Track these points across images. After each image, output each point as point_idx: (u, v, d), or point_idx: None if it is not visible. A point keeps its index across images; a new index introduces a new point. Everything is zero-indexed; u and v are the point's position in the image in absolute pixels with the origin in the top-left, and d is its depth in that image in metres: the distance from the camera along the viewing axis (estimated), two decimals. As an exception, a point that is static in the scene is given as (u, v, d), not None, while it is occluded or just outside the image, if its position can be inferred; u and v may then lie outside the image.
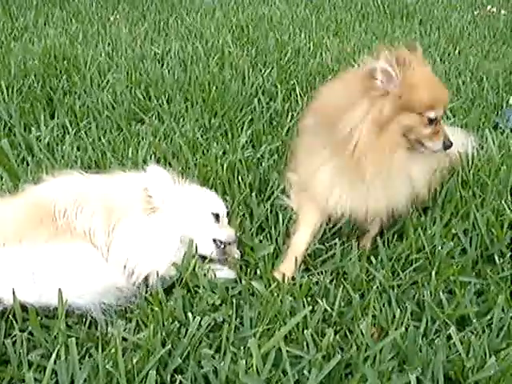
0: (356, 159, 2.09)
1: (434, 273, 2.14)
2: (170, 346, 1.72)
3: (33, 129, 3.16)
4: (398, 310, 1.96)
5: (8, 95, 3.57)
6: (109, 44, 4.78)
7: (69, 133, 3.18)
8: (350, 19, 5.82)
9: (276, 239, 2.36)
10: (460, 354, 1.78)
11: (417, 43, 2.23)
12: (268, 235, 2.38)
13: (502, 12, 6.64)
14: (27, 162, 2.81)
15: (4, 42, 4.75)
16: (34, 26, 5.38)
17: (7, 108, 3.39)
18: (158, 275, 2.04)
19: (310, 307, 1.89)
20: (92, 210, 2.01)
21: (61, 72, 4.03)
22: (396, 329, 1.87)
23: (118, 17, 5.80)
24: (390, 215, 2.35)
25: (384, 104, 2.04)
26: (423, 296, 2.04)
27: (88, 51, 4.41)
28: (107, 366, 1.61)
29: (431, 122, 2.13)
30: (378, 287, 2.08)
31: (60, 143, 3.06)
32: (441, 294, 2.05)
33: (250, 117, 3.43)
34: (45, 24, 5.53)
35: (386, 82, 2.03)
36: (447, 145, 2.20)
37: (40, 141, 3.06)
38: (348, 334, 1.90)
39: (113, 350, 1.66)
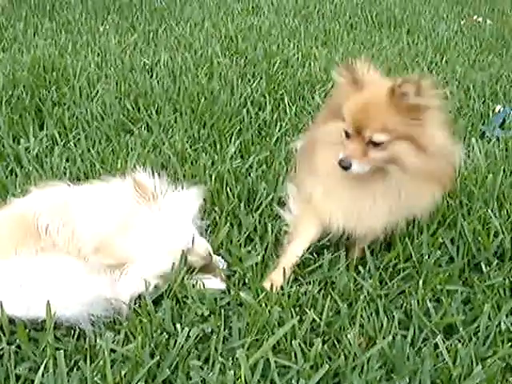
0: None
1: (421, 282, 2.16)
2: (158, 357, 1.72)
3: (22, 140, 3.15)
4: (386, 318, 1.98)
5: (-4, 107, 3.57)
6: (98, 54, 4.78)
7: (58, 144, 3.17)
8: (339, 29, 5.87)
9: (265, 249, 2.37)
10: (447, 362, 1.80)
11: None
12: (256, 245, 2.39)
13: (488, 22, 6.73)
14: (16, 174, 2.80)
15: (-7, 53, 4.74)
16: (23, 37, 5.36)
17: (-5, 119, 3.39)
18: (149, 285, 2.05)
19: (298, 317, 1.91)
20: (74, 224, 2.01)
21: (50, 83, 4.02)
22: (384, 338, 1.88)
23: (107, 27, 5.81)
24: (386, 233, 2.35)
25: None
26: (410, 305, 2.05)
27: (77, 62, 4.40)
28: (95, 379, 1.61)
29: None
30: (365, 296, 2.10)
31: (49, 154, 3.06)
32: (428, 302, 2.07)
33: (238, 127, 3.45)
34: (34, 35, 5.52)
35: None
36: (340, 161, 2.09)
37: (29, 152, 3.05)
38: (336, 343, 1.91)
39: (101, 363, 1.66)
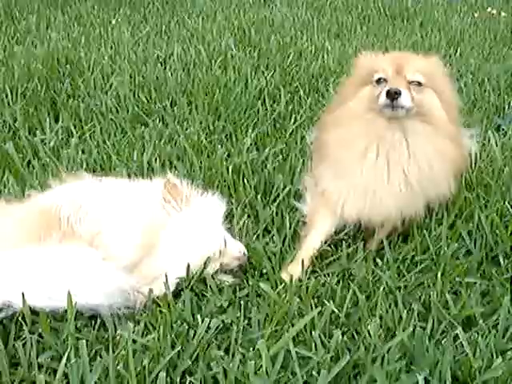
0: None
1: (439, 274, 2.15)
2: (179, 347, 1.73)
3: (37, 132, 3.18)
4: (405, 310, 1.97)
5: (12, 99, 3.58)
6: (111, 47, 4.79)
7: (73, 136, 3.19)
8: (351, 22, 5.84)
9: (282, 241, 2.38)
10: (467, 354, 1.79)
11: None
12: (274, 237, 2.39)
13: (503, 14, 6.67)
14: (33, 166, 2.81)
15: (7, 45, 4.76)
16: (36, 30, 5.38)
17: (11, 111, 3.40)
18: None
19: (318, 309, 1.90)
20: (97, 217, 2.02)
21: (64, 75, 4.04)
22: (403, 330, 1.88)
23: (119, 20, 5.81)
24: (403, 221, 2.36)
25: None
26: (429, 297, 2.05)
27: (90, 54, 4.42)
28: (118, 368, 1.62)
29: (377, 83, 2.21)
30: (384, 288, 2.09)
31: (65, 146, 3.07)
32: (446, 294, 2.06)
33: (254, 119, 3.45)
34: (47, 27, 5.54)
35: None
36: (387, 92, 2.13)
37: (45, 144, 3.07)
38: (355, 335, 1.91)
39: (123, 352, 1.67)
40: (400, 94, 2.10)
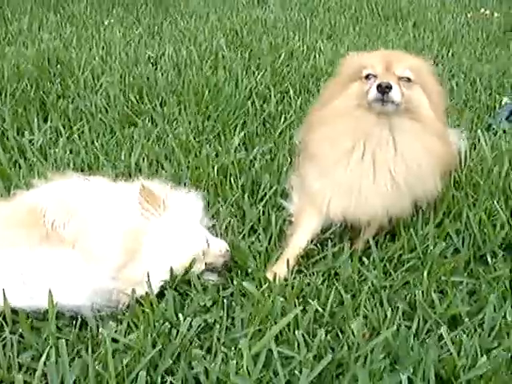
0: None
1: (425, 273, 2.13)
2: (160, 347, 1.71)
3: (26, 132, 3.16)
4: (390, 309, 1.96)
5: (1, 99, 3.56)
6: (103, 48, 4.77)
7: (62, 136, 3.17)
8: (344, 22, 5.84)
9: (268, 240, 2.36)
10: (451, 353, 1.78)
11: None
12: (260, 236, 2.38)
13: (495, 15, 6.67)
14: (19, 166, 2.80)
15: (-2, 46, 4.75)
16: (28, 31, 5.37)
17: (0, 112, 3.39)
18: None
19: (301, 307, 1.89)
20: (81, 220, 2.00)
21: (54, 75, 4.02)
22: (387, 328, 1.87)
23: (112, 21, 5.80)
24: (390, 219, 2.35)
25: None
26: (415, 296, 2.04)
27: (82, 55, 4.40)
28: (97, 368, 1.60)
29: (366, 78, 2.20)
30: (369, 287, 2.08)
31: (53, 146, 3.05)
32: (433, 293, 2.05)
33: (243, 119, 3.44)
34: (39, 28, 5.52)
35: None
36: (378, 85, 2.11)
37: (33, 144, 3.05)
38: (340, 334, 1.90)
39: (103, 352, 1.66)
40: (391, 88, 2.09)
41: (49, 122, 3.35)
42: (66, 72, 4.08)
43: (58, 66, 4.17)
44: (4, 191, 2.54)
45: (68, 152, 2.97)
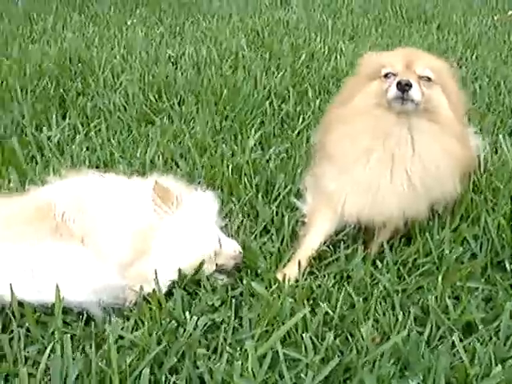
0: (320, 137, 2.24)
1: (440, 277, 2.08)
2: (165, 344, 1.70)
3: (44, 129, 3.19)
4: (402, 314, 1.91)
5: (22, 96, 3.60)
6: (124, 47, 4.81)
7: (79, 133, 3.19)
8: (367, 24, 5.78)
9: (281, 241, 2.33)
10: (463, 361, 1.73)
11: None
12: (272, 237, 2.35)
13: (524, 17, 6.53)
14: (36, 161, 2.82)
15: (22, 44, 4.81)
16: (52, 30, 5.44)
17: (20, 108, 3.42)
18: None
19: (309, 308, 1.85)
20: (91, 216, 2.00)
21: (75, 74, 4.07)
22: (398, 333, 1.82)
23: (134, 21, 5.84)
24: (405, 222, 2.30)
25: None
26: (428, 301, 1.98)
27: (103, 54, 4.43)
28: (100, 364, 1.59)
29: (385, 77, 2.15)
30: (381, 291, 2.04)
31: (70, 143, 3.08)
32: (447, 299, 1.99)
33: (260, 119, 3.42)
34: (63, 28, 5.59)
35: None
36: (398, 83, 2.06)
37: (50, 140, 3.07)
38: (349, 337, 1.86)
39: (107, 348, 1.65)
40: (411, 86, 2.05)
41: (67, 119, 3.38)
42: (87, 70, 4.12)
43: (79, 64, 4.21)
44: (19, 186, 2.55)
45: (84, 149, 2.99)
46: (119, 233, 1.98)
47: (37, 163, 2.80)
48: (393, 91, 2.08)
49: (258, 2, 6.89)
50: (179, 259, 2.04)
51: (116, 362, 1.58)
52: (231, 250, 2.15)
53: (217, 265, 2.12)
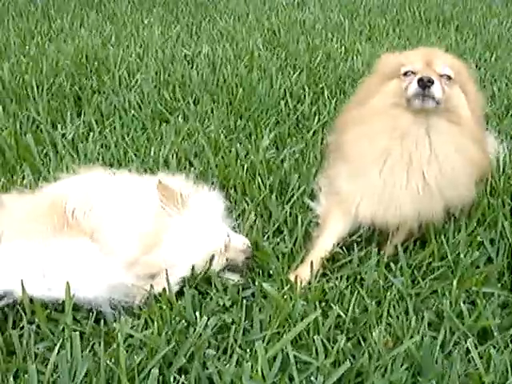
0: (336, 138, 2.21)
1: (455, 282, 2.04)
2: (174, 344, 1.68)
3: (59, 126, 3.19)
4: (415, 318, 1.87)
5: (38, 93, 3.62)
6: (140, 46, 4.81)
7: (94, 131, 3.19)
8: (385, 24, 5.72)
9: (294, 242, 2.31)
10: (478, 368, 1.69)
11: None
12: (285, 237, 2.33)
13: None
14: (49, 158, 2.82)
15: (39, 42, 4.84)
16: (69, 28, 5.46)
17: (36, 105, 3.44)
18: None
19: (320, 311, 1.83)
20: (101, 212, 1.99)
21: (91, 71, 4.07)
22: (411, 338, 1.78)
23: (151, 19, 5.84)
24: (420, 224, 2.26)
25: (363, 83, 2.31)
26: (442, 305, 1.94)
27: (119, 52, 4.44)
28: (108, 363, 1.58)
29: (405, 75, 2.11)
30: (395, 295, 2.00)
31: (84, 140, 3.08)
32: (462, 304, 1.95)
33: (275, 119, 3.39)
34: (80, 26, 5.62)
35: None
36: (419, 80, 2.02)
37: (65, 138, 3.08)
38: (361, 341, 1.83)
39: (115, 346, 1.64)
40: (432, 82, 2.01)
41: (82, 116, 3.38)
42: (103, 68, 4.12)
43: (95, 62, 4.22)
44: (33, 183, 2.56)
45: (98, 147, 2.98)
46: (129, 230, 1.97)
47: (50, 160, 2.81)
48: (413, 87, 2.04)
49: (275, 2, 6.87)
50: (190, 255, 2.04)
51: (124, 360, 1.57)
52: (240, 243, 2.13)
53: (227, 260, 2.11)
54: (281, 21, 5.77)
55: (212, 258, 2.03)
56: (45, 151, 2.90)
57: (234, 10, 6.35)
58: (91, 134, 3.13)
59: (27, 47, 4.59)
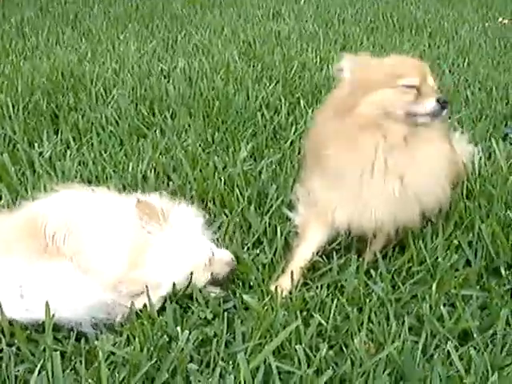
0: (314, 150, 2.14)
1: (434, 286, 2.06)
2: (156, 360, 1.67)
3: (36, 144, 3.17)
4: (396, 324, 1.89)
5: (14, 112, 3.59)
6: (116, 61, 4.81)
7: (71, 148, 3.18)
8: (359, 33, 5.80)
9: (274, 252, 2.32)
10: (458, 370, 1.71)
11: None
12: (265, 248, 2.34)
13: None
14: (27, 178, 2.80)
15: (14, 60, 4.81)
16: (45, 46, 5.45)
17: (12, 124, 3.41)
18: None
19: (302, 320, 1.83)
20: (81, 233, 1.99)
21: (67, 89, 4.05)
22: (393, 343, 1.80)
23: (127, 35, 5.85)
24: (397, 230, 2.28)
25: (341, 89, 2.16)
26: (423, 310, 1.96)
27: (95, 68, 4.44)
28: (90, 381, 1.57)
29: (409, 88, 2.06)
30: (376, 301, 2.02)
31: (62, 158, 3.06)
32: (442, 307, 1.98)
33: (252, 130, 3.41)
34: (56, 43, 5.61)
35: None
36: (443, 101, 2.03)
37: (42, 156, 3.06)
38: (344, 348, 1.84)
39: (97, 365, 1.62)
40: (447, 105, 2.05)
41: (59, 134, 3.37)
42: (79, 85, 4.11)
43: (72, 79, 4.20)
44: (11, 203, 2.54)
45: (76, 164, 2.97)
46: (110, 250, 1.96)
47: (27, 179, 2.78)
48: (432, 106, 2.03)
49: (251, 14, 6.92)
50: (175, 271, 2.04)
51: (106, 378, 1.56)
52: (224, 256, 2.13)
53: (212, 274, 2.11)
54: (256, 32, 5.82)
55: (193, 274, 2.03)
56: (22, 170, 2.88)
57: (209, 24, 6.38)
58: (68, 151, 3.12)
59: (2, 66, 4.56)
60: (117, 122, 3.56)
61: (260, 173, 2.91)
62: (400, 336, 1.85)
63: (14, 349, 1.78)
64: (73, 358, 1.76)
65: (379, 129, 2.07)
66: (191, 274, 2.05)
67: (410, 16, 6.76)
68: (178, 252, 2.06)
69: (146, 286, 1.91)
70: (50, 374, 1.63)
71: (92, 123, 3.52)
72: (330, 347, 1.82)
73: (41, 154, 3.10)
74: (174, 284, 2.01)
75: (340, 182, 2.17)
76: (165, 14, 6.90)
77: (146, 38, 5.81)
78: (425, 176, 2.14)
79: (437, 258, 2.24)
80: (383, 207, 2.13)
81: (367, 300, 2.02)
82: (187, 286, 2.06)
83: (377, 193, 2.13)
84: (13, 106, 3.63)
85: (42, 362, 1.66)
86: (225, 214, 2.55)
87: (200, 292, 2.05)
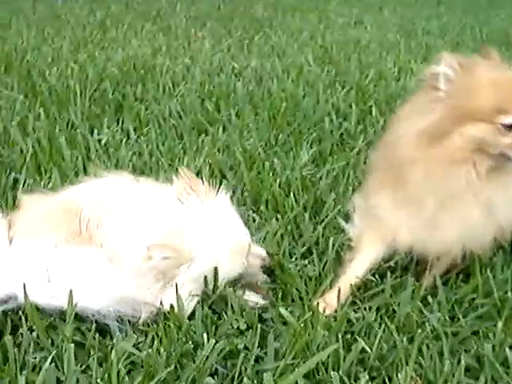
0: (398, 168, 1.87)
1: (500, 323, 1.80)
2: (174, 367, 1.53)
3: (95, 131, 3.15)
4: (451, 361, 1.65)
5: (80, 98, 3.60)
6: (190, 57, 4.78)
7: (130, 138, 3.13)
8: (443, 45, 5.49)
9: (323, 266, 2.13)
10: (521, 425, 1.46)
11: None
12: (314, 260, 2.15)
13: None
14: (80, 163, 2.76)
15: (90, 50, 4.89)
16: (123, 38, 5.52)
17: (75, 109, 3.42)
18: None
19: (342, 343, 1.64)
20: (115, 223, 1.88)
21: (136, 79, 4.05)
22: (445, 383, 1.57)
23: (204, 33, 5.84)
24: (464, 254, 2.04)
25: (436, 111, 1.78)
26: (484, 349, 1.71)
27: (167, 62, 4.42)
28: (99, 380, 1.45)
29: (509, 128, 1.75)
30: (429, 332, 1.79)
31: (118, 147, 3.01)
32: (507, 349, 1.72)
33: (316, 134, 3.24)
34: (135, 36, 5.68)
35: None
36: None
37: (100, 143, 3.03)
38: (387, 381, 1.63)
39: (109, 364, 1.50)
40: None
41: (120, 123, 3.33)
42: (148, 77, 4.10)
43: (142, 70, 4.20)
44: (59, 186, 2.49)
45: (131, 153, 2.91)
46: (143, 238, 1.83)
47: (80, 165, 2.74)
48: None
49: (332, 21, 6.75)
50: (212, 247, 1.86)
51: (116, 380, 1.43)
52: (257, 249, 2.00)
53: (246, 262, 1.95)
54: (334, 38, 5.64)
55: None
56: (76, 155, 2.84)
57: (288, 27, 6.27)
58: (126, 140, 3.07)
59: (78, 54, 4.63)
60: (180, 115, 3.49)
61: (320, 179, 2.74)
62: (454, 376, 1.61)
63: (34, 334, 1.69)
64: (91, 352, 1.65)
65: (470, 158, 1.82)
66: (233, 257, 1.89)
67: (500, 31, 6.35)
68: (217, 228, 1.90)
69: (176, 284, 1.76)
70: (61, 365, 1.52)
71: (155, 115, 3.47)
72: (372, 378, 1.61)
73: (99, 141, 3.07)
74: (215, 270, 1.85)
75: (418, 207, 1.94)
76: (245, 15, 6.86)
77: (222, 36, 5.77)
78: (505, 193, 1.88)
79: (506, 291, 1.98)
80: (458, 229, 1.88)
81: (420, 330, 1.79)
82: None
83: (457, 217, 1.89)
84: (80, 92, 3.64)
85: (56, 351, 1.56)
86: (276, 219, 2.38)
87: (236, 298, 1.89)
